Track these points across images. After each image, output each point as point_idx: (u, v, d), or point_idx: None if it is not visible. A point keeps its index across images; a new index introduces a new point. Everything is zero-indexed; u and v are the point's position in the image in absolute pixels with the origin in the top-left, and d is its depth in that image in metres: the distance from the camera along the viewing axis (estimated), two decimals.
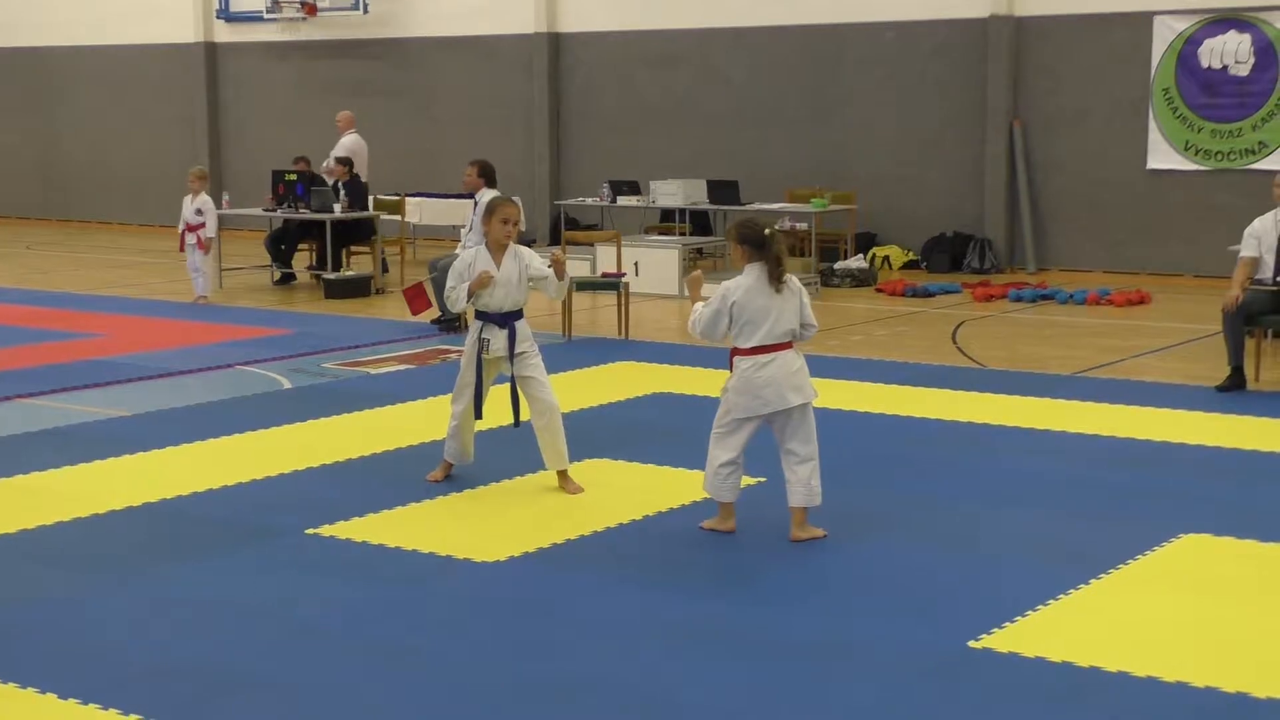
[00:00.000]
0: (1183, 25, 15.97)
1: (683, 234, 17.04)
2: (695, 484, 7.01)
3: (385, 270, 16.22)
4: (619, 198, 17.21)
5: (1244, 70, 15.70)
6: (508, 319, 7.39)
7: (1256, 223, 10.26)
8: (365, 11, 21.16)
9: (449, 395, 7.64)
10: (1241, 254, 10.27)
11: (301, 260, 16.59)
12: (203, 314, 13.97)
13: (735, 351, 6.55)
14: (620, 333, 12.52)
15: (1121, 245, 16.49)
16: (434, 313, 12.74)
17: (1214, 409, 9.44)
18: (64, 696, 4.85)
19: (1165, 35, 16.05)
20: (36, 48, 24.65)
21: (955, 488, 7.51)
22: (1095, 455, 8.21)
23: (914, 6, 17.34)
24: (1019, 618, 5.54)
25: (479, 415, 7.52)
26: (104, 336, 12.59)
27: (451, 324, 12.61)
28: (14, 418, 9.24)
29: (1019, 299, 14.75)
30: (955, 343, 12.25)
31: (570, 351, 11.58)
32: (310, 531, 6.72)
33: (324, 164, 16.72)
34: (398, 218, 17.00)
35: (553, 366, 7.78)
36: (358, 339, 12.34)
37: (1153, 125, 16.20)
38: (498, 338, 7.37)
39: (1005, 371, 10.85)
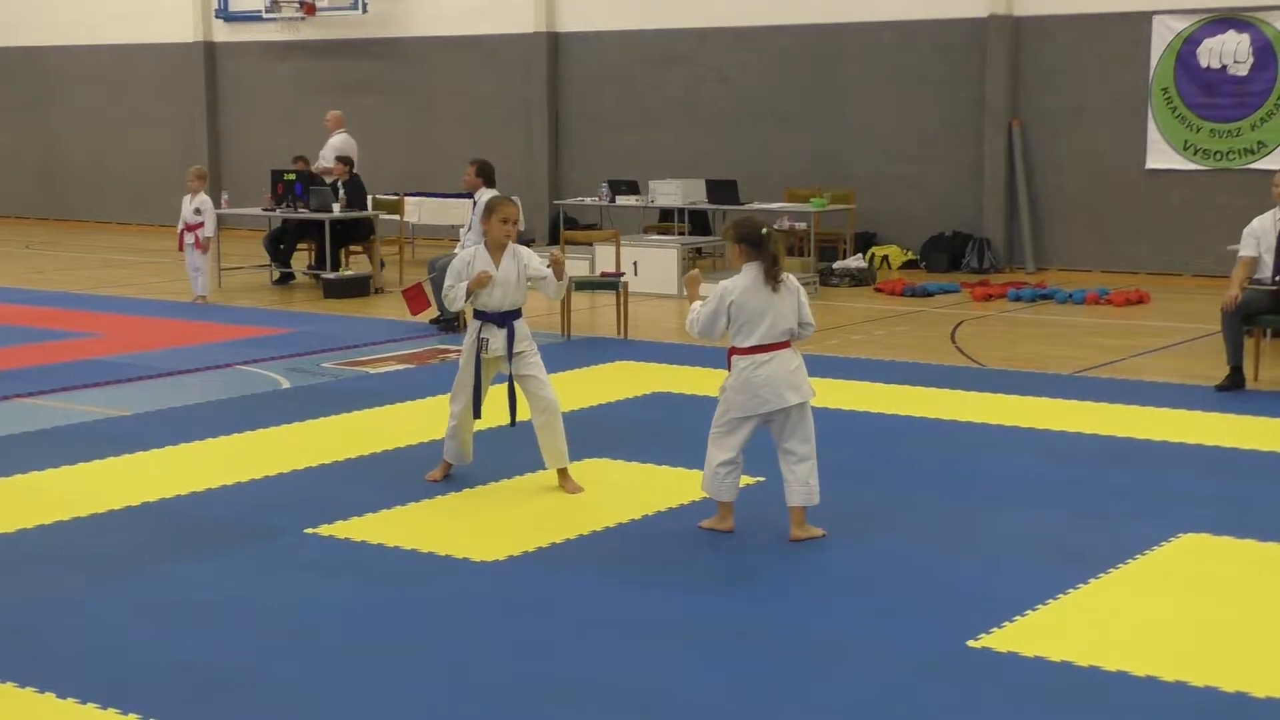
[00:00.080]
0: (1182, 25, 15.97)
1: (681, 234, 17.03)
2: (694, 483, 7.01)
3: (381, 265, 16.22)
4: (618, 197, 17.21)
5: (1243, 70, 15.71)
6: (506, 318, 7.39)
7: (1255, 222, 10.26)
8: (364, 11, 21.16)
9: (448, 395, 7.63)
10: (1240, 253, 10.27)
11: (300, 260, 16.58)
12: (202, 313, 13.96)
13: (733, 351, 6.55)
14: (619, 332, 12.52)
15: (1120, 245, 16.50)
16: (433, 312, 12.74)
17: (1213, 408, 9.44)
18: (63, 696, 4.85)
19: (1164, 35, 16.06)
20: (35, 47, 24.66)
21: (954, 487, 7.51)
22: (1094, 455, 8.20)
23: (913, 6, 17.35)
24: (1018, 617, 5.54)
25: (478, 415, 7.52)
26: (103, 336, 12.59)
27: (450, 323, 12.61)
28: (13, 417, 9.24)
29: (1018, 298, 14.75)
30: (954, 342, 12.25)
31: (569, 351, 11.58)
32: (309, 531, 6.72)
33: (314, 164, 16.69)
34: (396, 217, 17.01)
35: (551, 366, 7.78)
36: (357, 338, 12.34)
37: (1152, 125, 16.20)
38: (496, 337, 7.37)
39: (1004, 371, 10.85)
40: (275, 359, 11.36)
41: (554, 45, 19.88)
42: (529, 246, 7.79)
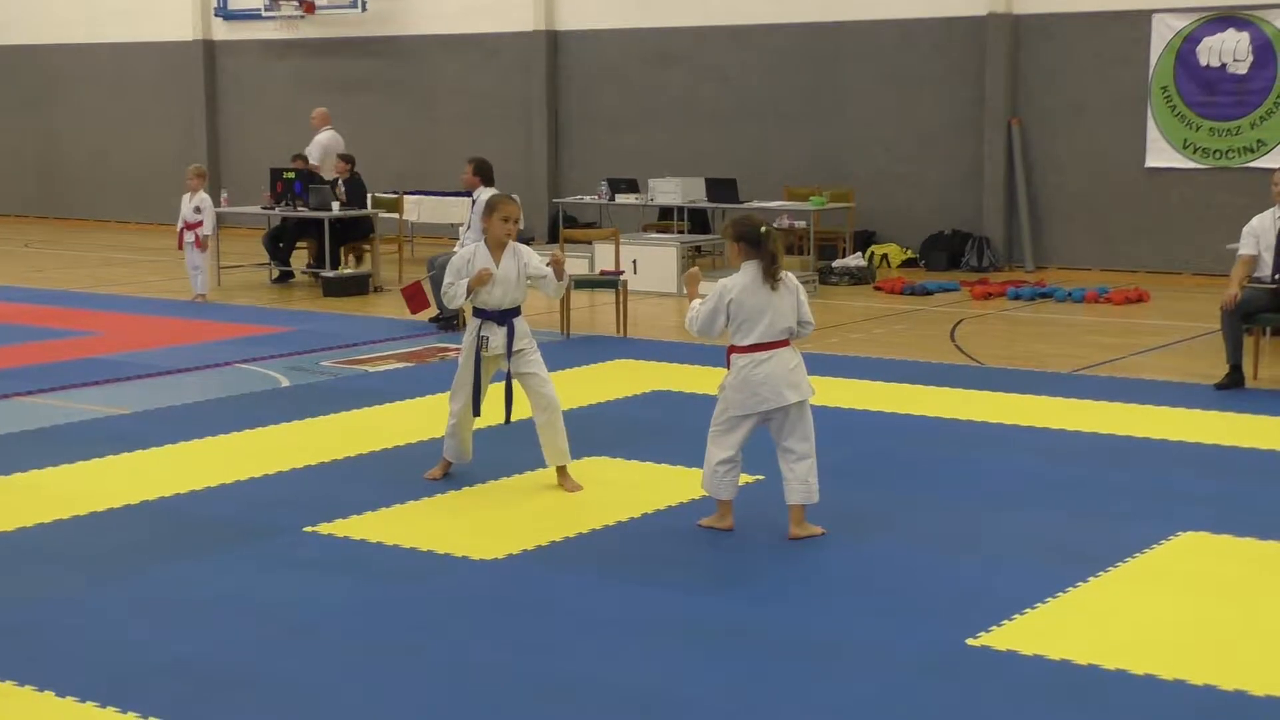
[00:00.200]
0: (1181, 23, 15.97)
1: (681, 232, 17.03)
2: (693, 482, 7.01)
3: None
4: (617, 196, 17.21)
5: (1242, 68, 15.70)
6: (506, 316, 7.39)
7: (1255, 220, 10.26)
8: (363, 9, 21.15)
9: (447, 393, 7.64)
10: (1240, 252, 10.27)
11: (300, 258, 16.58)
12: (201, 312, 13.96)
13: (732, 349, 6.55)
14: (618, 330, 12.52)
15: (1120, 243, 16.49)
16: (432, 311, 12.74)
17: (1212, 407, 9.44)
18: (62, 694, 4.85)
19: (1164, 33, 16.05)
20: (35, 45, 24.64)
21: (953, 485, 7.51)
22: (1093, 453, 8.20)
23: (912, 4, 17.34)
24: (1017, 615, 5.54)
25: (477, 413, 7.52)
26: (102, 334, 12.59)
27: (450, 322, 12.61)
28: (12, 416, 9.24)
29: (1017, 297, 14.75)
30: (953, 341, 12.25)
31: (568, 349, 11.58)
32: (308, 529, 6.72)
33: (293, 158, 16.64)
34: (396, 216, 17.00)
35: (551, 364, 7.78)
36: (356, 337, 12.34)
37: (1151, 123, 16.20)
38: (496, 335, 7.37)
39: (1003, 369, 10.85)
40: (274, 357, 11.36)
41: (553, 44, 19.88)
42: (528, 245, 7.78)
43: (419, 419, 8.96)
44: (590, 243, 15.03)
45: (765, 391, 6.46)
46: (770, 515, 6.73)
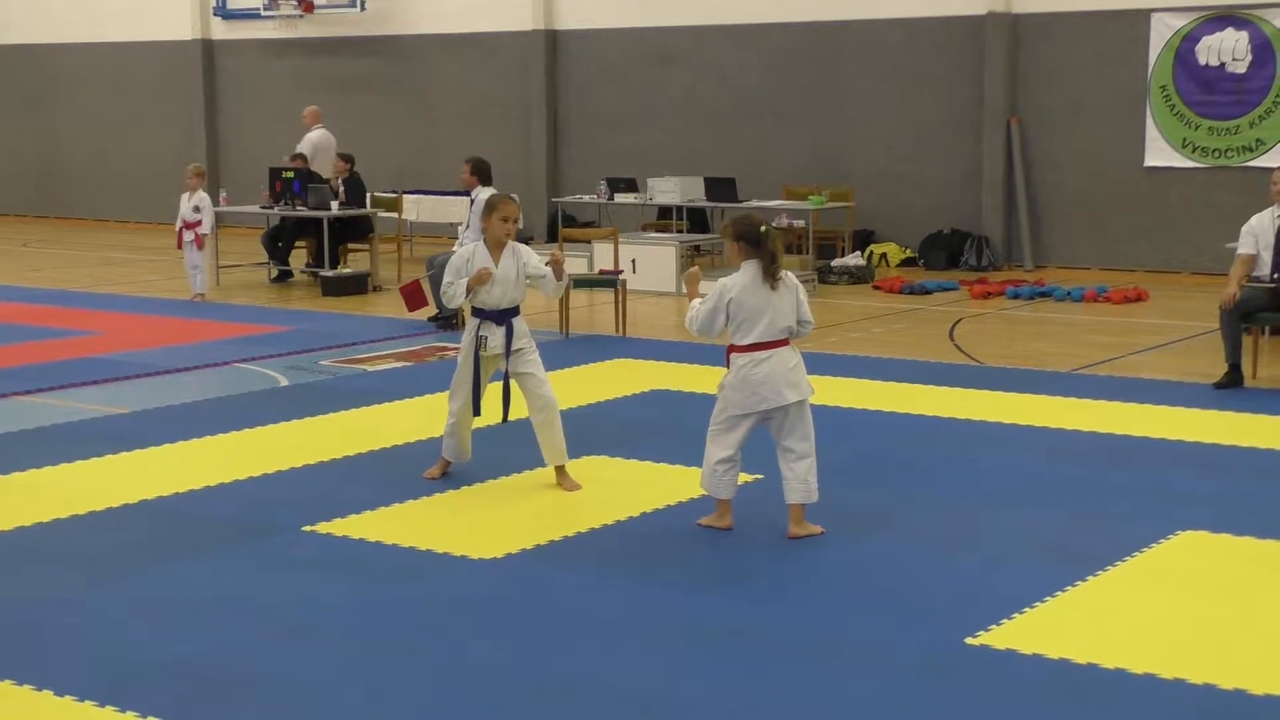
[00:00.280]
0: (1180, 22, 15.97)
1: (680, 231, 17.03)
2: (692, 481, 7.01)
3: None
4: (616, 195, 17.21)
5: (1241, 67, 15.71)
6: (505, 316, 7.39)
7: (1254, 219, 10.26)
8: (362, 9, 21.14)
9: (446, 392, 7.64)
10: (1239, 251, 10.27)
11: (299, 258, 16.57)
12: (200, 311, 13.96)
13: (732, 348, 6.55)
14: (617, 330, 12.52)
15: (1119, 242, 16.49)
16: (431, 310, 12.73)
17: (1211, 406, 9.44)
18: (60, 693, 4.85)
19: (1163, 32, 16.05)
20: (34, 45, 24.63)
21: (952, 485, 7.51)
22: (1092, 452, 8.20)
23: (911, 3, 17.34)
24: (1016, 614, 5.54)
25: (477, 412, 7.52)
26: (101, 334, 12.59)
27: (449, 321, 12.61)
28: (11, 415, 9.24)
29: (1016, 296, 14.76)
30: (953, 340, 12.25)
31: (568, 348, 11.58)
32: (307, 528, 6.72)
33: (291, 158, 16.63)
34: (395, 215, 17.00)
35: (550, 363, 7.78)
36: (355, 336, 12.33)
37: (1150, 122, 16.20)
38: (495, 335, 7.37)
39: (1002, 369, 10.85)
40: (273, 357, 11.36)
41: (552, 43, 19.88)
42: (527, 244, 7.78)
43: (418, 418, 8.96)
44: (589, 242, 15.03)
45: (765, 391, 6.45)
46: (769, 514, 6.73)
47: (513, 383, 7.52)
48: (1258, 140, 15.67)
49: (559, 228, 16.27)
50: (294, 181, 15.84)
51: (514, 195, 7.92)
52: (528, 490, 7.41)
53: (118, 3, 23.52)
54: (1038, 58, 16.77)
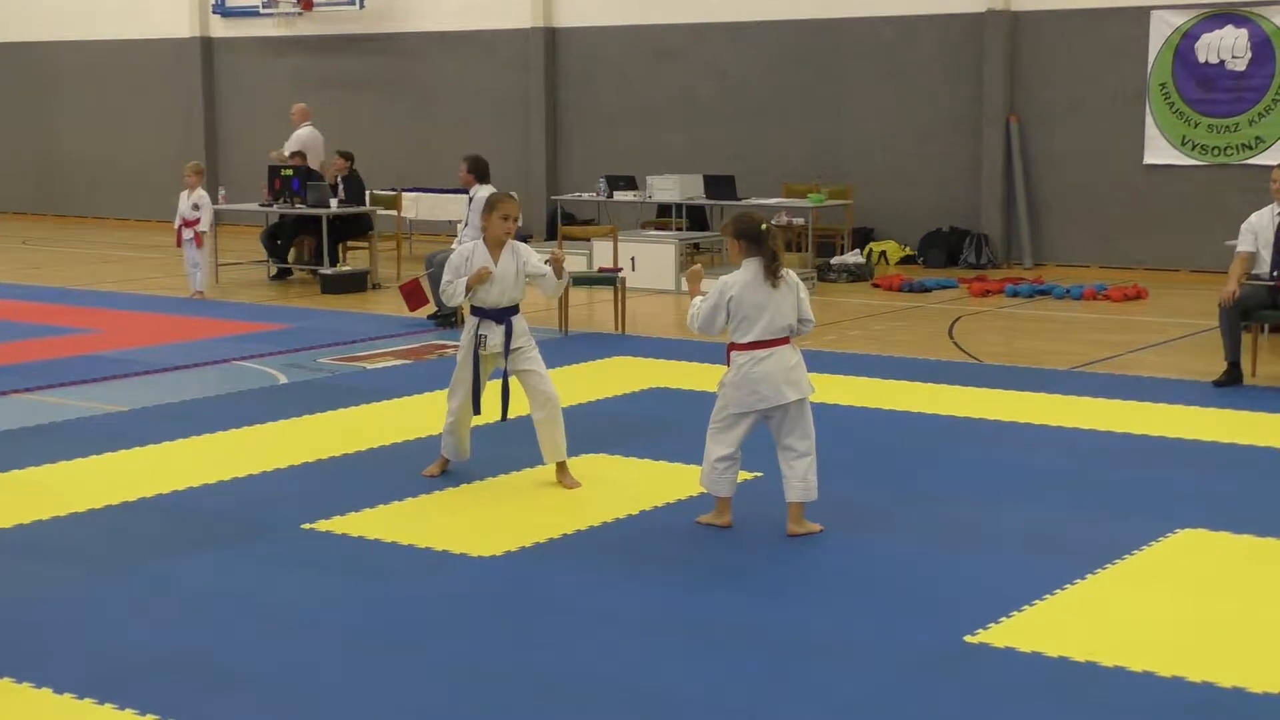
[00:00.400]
0: (1180, 20, 15.97)
1: (679, 229, 17.03)
2: (692, 479, 7.01)
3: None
4: (615, 193, 17.20)
5: (1241, 65, 15.70)
6: (504, 315, 7.38)
7: (1253, 217, 10.26)
8: (361, 6, 21.14)
9: (445, 390, 7.64)
10: (1238, 249, 10.26)
11: (292, 255, 16.56)
12: (199, 309, 13.96)
13: (732, 346, 6.55)
14: (617, 328, 12.52)
15: (1118, 240, 16.49)
16: (430, 308, 12.73)
17: (1210, 404, 9.44)
18: (60, 691, 4.85)
19: (1162, 30, 16.05)
20: (32, 42, 24.62)
21: (952, 483, 7.51)
22: (1092, 450, 8.21)
23: (911, 1, 17.33)
24: (1015, 612, 5.54)
25: (477, 410, 7.51)
26: (100, 331, 12.59)
27: (448, 319, 12.60)
28: (10, 413, 9.24)
29: (1015, 294, 14.75)
30: (952, 338, 12.25)
31: (567, 346, 11.58)
32: (306, 526, 6.72)
33: (290, 155, 16.61)
34: (394, 213, 17.00)
35: (550, 361, 7.78)
36: (354, 334, 12.33)
37: (1149, 120, 16.19)
38: (494, 333, 7.36)
39: (1002, 366, 10.85)
40: (272, 354, 11.36)
41: (551, 40, 19.87)
42: (526, 243, 7.78)
43: (417, 416, 8.96)
44: (589, 240, 15.03)
45: (765, 389, 6.45)
46: (769, 512, 6.73)
47: (512, 381, 7.53)
48: (1257, 138, 15.67)
49: (558, 225, 16.27)
50: (293, 179, 15.84)
51: (513, 193, 7.92)
52: (527, 488, 7.41)
53: (116, 0, 23.51)
54: (1037, 55, 16.76)
